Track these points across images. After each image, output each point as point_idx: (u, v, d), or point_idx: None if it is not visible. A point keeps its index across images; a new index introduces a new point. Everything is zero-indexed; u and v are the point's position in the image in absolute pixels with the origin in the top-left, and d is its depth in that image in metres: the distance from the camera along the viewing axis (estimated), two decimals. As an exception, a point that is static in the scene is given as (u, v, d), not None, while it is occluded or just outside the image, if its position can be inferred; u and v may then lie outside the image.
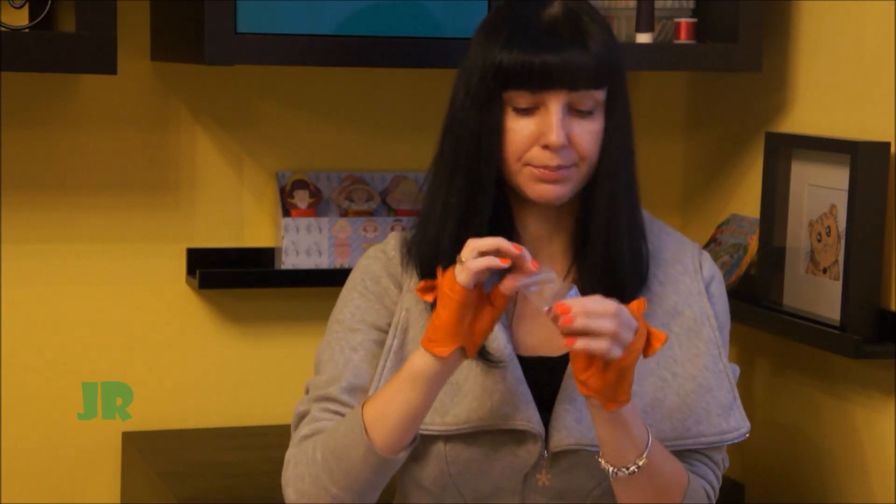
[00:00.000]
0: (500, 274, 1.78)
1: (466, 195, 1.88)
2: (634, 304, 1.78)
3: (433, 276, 1.88)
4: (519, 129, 1.86)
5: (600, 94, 1.86)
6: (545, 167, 1.85)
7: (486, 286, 1.80)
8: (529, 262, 1.75)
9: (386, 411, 1.83)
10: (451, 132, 1.91)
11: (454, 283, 1.77)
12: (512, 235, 1.94)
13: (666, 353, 1.93)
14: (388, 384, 1.85)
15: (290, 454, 1.94)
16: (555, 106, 1.83)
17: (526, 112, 1.85)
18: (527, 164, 1.86)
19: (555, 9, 1.86)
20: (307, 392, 1.98)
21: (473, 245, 1.76)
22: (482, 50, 1.87)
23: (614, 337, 1.72)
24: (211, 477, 2.51)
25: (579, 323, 1.71)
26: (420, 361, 1.81)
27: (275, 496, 2.41)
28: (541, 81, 1.83)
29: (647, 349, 1.77)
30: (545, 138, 1.84)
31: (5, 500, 2.70)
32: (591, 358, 1.75)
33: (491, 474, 1.92)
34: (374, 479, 1.86)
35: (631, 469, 1.83)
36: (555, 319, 1.73)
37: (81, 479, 2.74)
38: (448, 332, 1.78)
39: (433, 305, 1.82)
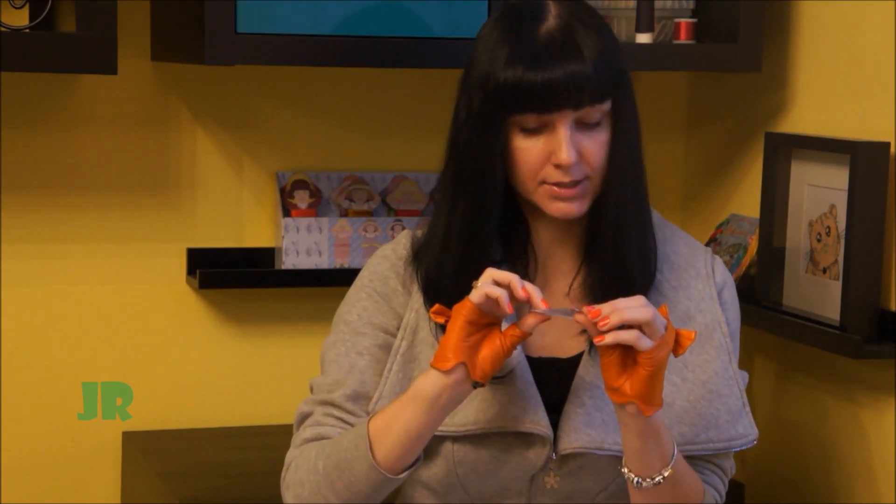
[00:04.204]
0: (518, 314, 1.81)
1: (470, 222, 1.88)
2: (658, 309, 1.78)
3: (436, 294, 1.89)
4: (529, 149, 1.85)
5: (605, 106, 1.85)
6: (560, 184, 1.84)
7: (503, 322, 1.81)
8: (539, 301, 1.76)
9: (390, 428, 1.83)
10: (455, 151, 1.89)
11: (466, 300, 1.78)
12: (525, 242, 1.94)
13: (676, 357, 1.93)
14: (395, 401, 1.85)
15: (291, 456, 1.94)
16: (562, 126, 1.83)
17: (534, 132, 1.84)
18: (542, 183, 1.86)
19: (551, 23, 1.84)
20: (311, 390, 1.98)
21: (490, 274, 1.77)
22: (483, 66, 1.84)
23: (648, 325, 1.73)
24: (211, 477, 2.51)
25: (615, 318, 1.73)
26: (425, 380, 1.81)
27: (275, 496, 2.42)
28: (545, 104, 1.81)
29: (676, 348, 1.77)
30: (555, 157, 1.83)
31: (5, 500, 2.70)
32: (623, 363, 1.75)
33: (498, 476, 1.92)
34: (374, 494, 1.86)
35: (657, 479, 1.83)
36: (588, 325, 1.74)
37: (81, 479, 2.74)
38: (451, 347, 1.78)
39: (443, 328, 1.83)
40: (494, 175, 1.86)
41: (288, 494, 1.93)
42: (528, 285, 1.76)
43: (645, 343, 1.73)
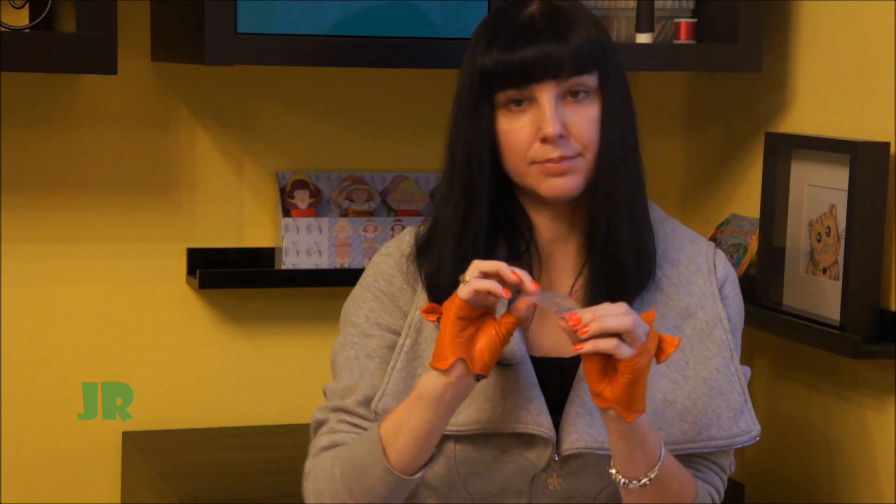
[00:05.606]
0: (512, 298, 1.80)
1: (462, 210, 1.88)
2: (643, 316, 1.78)
3: (437, 290, 1.89)
4: (517, 130, 1.85)
5: (591, 80, 1.86)
6: (548, 160, 1.85)
7: (497, 310, 1.81)
8: (529, 283, 1.76)
9: (400, 431, 1.83)
10: (449, 146, 1.91)
11: (454, 296, 1.78)
12: (528, 241, 1.94)
13: (677, 355, 1.92)
14: (402, 404, 1.85)
15: (310, 465, 1.95)
16: (545, 98, 1.83)
17: (520, 110, 1.85)
18: (533, 163, 1.86)
19: (532, 8, 1.87)
20: (325, 395, 1.98)
21: (476, 265, 1.77)
22: (468, 62, 1.88)
23: (628, 334, 1.72)
24: (211, 477, 2.51)
25: (594, 327, 1.72)
26: (426, 380, 1.81)
27: (275, 496, 2.42)
28: (523, 76, 1.83)
29: (659, 354, 1.77)
30: (541, 131, 1.84)
31: (5, 500, 2.70)
32: (605, 368, 1.75)
33: (499, 475, 1.92)
34: (392, 496, 1.86)
35: (643, 481, 1.83)
36: (569, 331, 1.74)
37: (81, 479, 2.74)
38: (446, 345, 1.78)
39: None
40: (481, 159, 1.86)
41: None
42: (517, 269, 1.76)
43: (624, 351, 1.72)
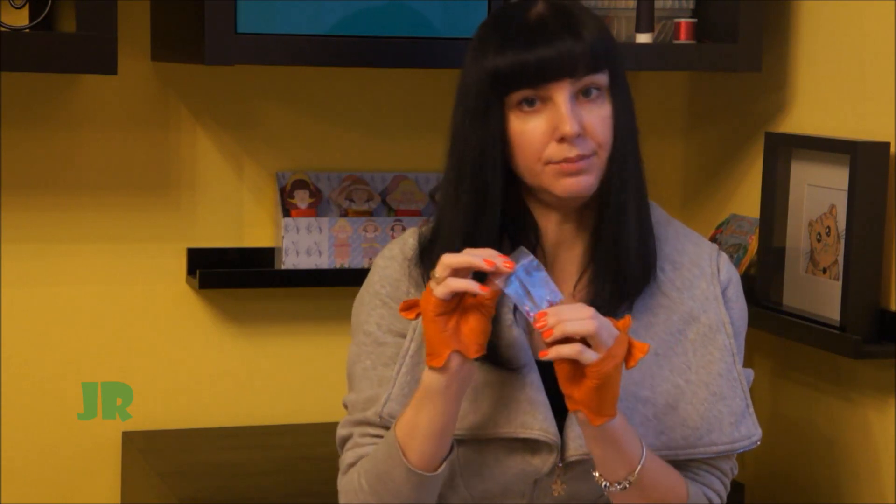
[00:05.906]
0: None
1: (473, 212, 1.87)
2: (620, 322, 1.77)
3: None
4: (531, 130, 1.84)
5: (602, 79, 1.85)
6: (565, 160, 1.84)
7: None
8: (503, 266, 1.75)
9: (415, 430, 1.83)
10: (455, 146, 1.89)
11: (429, 295, 1.77)
12: (535, 246, 1.92)
13: (680, 359, 1.92)
14: (410, 404, 1.84)
15: (341, 484, 1.95)
16: (561, 97, 1.82)
17: (533, 111, 1.84)
18: (548, 163, 1.85)
19: (540, 7, 1.86)
20: (346, 407, 1.98)
21: (447, 262, 1.76)
22: (476, 64, 1.86)
23: (593, 338, 1.72)
24: (211, 477, 2.51)
25: (558, 332, 1.72)
26: (428, 379, 1.81)
27: (275, 496, 2.42)
28: (540, 76, 1.82)
29: (628, 359, 1.76)
30: (559, 131, 1.82)
31: (5, 500, 2.70)
32: (574, 371, 1.74)
33: (502, 479, 1.91)
34: (421, 495, 1.85)
35: (622, 484, 1.83)
36: (537, 333, 1.75)
37: (81, 479, 2.74)
38: (435, 342, 1.78)
39: None
40: (494, 162, 1.85)
41: None
42: (487, 254, 1.75)
43: (588, 356, 1.72)
